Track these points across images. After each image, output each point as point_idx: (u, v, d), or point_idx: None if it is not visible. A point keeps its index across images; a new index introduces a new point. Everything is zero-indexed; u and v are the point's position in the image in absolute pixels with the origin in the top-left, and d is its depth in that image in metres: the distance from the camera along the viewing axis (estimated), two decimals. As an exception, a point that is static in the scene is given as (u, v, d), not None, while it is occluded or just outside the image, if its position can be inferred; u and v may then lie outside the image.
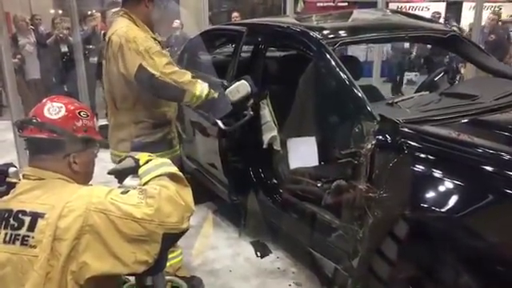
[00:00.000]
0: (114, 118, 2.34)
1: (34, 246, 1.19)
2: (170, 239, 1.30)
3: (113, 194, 1.27)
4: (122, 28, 2.14)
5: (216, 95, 2.24)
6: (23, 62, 6.06)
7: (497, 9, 9.79)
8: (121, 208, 1.22)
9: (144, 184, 1.36)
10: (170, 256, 2.46)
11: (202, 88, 2.17)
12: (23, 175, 1.34)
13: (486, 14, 6.77)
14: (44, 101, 1.37)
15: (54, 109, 1.32)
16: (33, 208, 1.23)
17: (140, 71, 2.07)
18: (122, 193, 1.28)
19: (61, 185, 1.30)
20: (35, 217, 1.21)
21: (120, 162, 1.55)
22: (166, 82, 2.08)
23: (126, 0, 2.24)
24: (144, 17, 2.23)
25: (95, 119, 1.42)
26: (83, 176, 1.39)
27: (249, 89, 2.25)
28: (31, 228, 1.21)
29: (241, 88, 2.25)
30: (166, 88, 2.10)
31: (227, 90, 2.26)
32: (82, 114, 1.37)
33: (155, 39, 2.22)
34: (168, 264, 2.46)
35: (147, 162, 1.44)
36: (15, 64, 5.78)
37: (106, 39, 2.22)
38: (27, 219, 1.22)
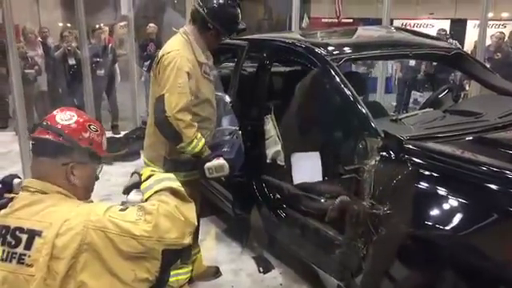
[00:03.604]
0: (151, 133, 2.40)
1: (31, 265, 1.17)
2: (172, 255, 1.28)
3: (111, 211, 1.25)
4: (177, 51, 2.22)
5: (204, 155, 2.28)
6: (39, 73, 6.13)
7: (501, 27, 9.86)
8: (119, 225, 1.20)
9: (146, 200, 1.35)
10: (179, 271, 2.48)
11: (193, 146, 2.23)
12: (22, 187, 1.32)
13: (491, 32, 6.81)
14: (57, 110, 1.38)
15: (65, 116, 1.34)
16: (30, 225, 1.21)
17: (159, 100, 2.20)
18: (121, 210, 1.26)
19: (60, 201, 1.28)
20: (32, 235, 1.19)
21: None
22: (172, 124, 2.17)
23: (195, 21, 2.32)
24: (203, 43, 2.33)
25: (104, 137, 1.40)
26: (82, 190, 1.36)
27: (226, 172, 2.26)
28: (28, 246, 1.19)
29: (219, 168, 2.25)
30: (168, 129, 2.20)
31: (206, 164, 2.26)
32: (91, 127, 1.37)
33: (202, 63, 2.30)
34: (175, 278, 2.48)
35: (149, 177, 1.43)
36: (31, 75, 5.88)
37: (159, 55, 2.30)
38: (24, 237, 1.20)
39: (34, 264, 1.17)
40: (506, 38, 7.05)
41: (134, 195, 1.48)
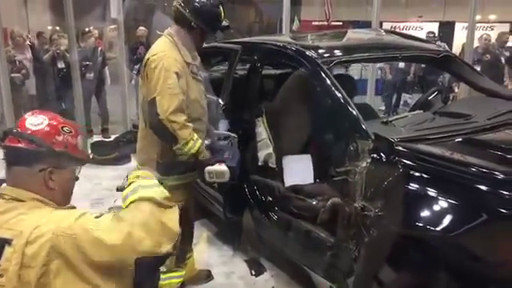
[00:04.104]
0: (142, 136, 2.38)
1: (1, 275, 1.13)
2: (148, 264, 1.23)
3: (84, 218, 1.20)
4: (163, 53, 2.21)
5: (202, 156, 2.26)
6: (26, 77, 6.06)
7: (489, 29, 9.99)
8: (90, 233, 1.15)
9: (126, 207, 1.30)
10: (172, 274, 2.48)
11: (190, 147, 2.21)
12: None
13: (478, 34, 6.90)
14: (29, 113, 1.33)
15: (36, 120, 1.29)
16: (1, 234, 1.17)
17: (151, 103, 2.19)
18: (96, 217, 1.22)
19: (33, 208, 1.23)
20: (2, 243, 1.15)
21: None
22: (165, 127, 2.16)
23: (178, 21, 2.30)
24: (189, 43, 2.32)
25: (80, 137, 1.36)
26: (60, 195, 1.32)
27: (226, 179, 2.26)
28: None
29: (220, 174, 2.25)
30: (163, 131, 2.20)
31: (208, 168, 2.26)
32: (64, 129, 1.31)
33: (189, 63, 2.29)
34: (167, 282, 2.47)
35: (130, 184, 1.37)
36: (17, 79, 5.80)
37: (145, 59, 2.29)
38: None
39: (3, 274, 1.13)
40: (493, 41, 7.14)
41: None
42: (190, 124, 2.21)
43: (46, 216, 1.20)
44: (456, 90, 6.36)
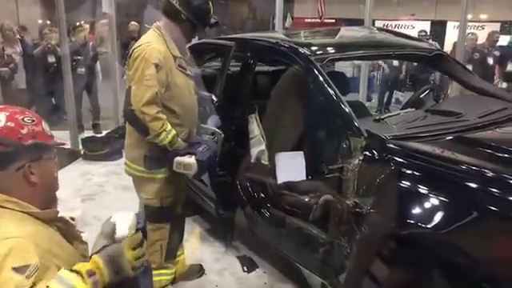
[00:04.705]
0: (130, 132, 2.37)
1: None
2: None
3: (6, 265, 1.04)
4: (147, 44, 2.22)
5: (175, 146, 2.26)
6: (14, 71, 5.98)
7: (480, 29, 10.08)
8: None
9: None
10: (162, 271, 2.47)
11: (161, 139, 2.21)
12: None
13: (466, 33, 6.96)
14: None
15: None
16: None
17: (127, 92, 2.24)
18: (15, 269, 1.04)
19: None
20: None
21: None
22: (138, 118, 2.18)
23: (168, 14, 2.30)
24: (178, 36, 2.32)
25: (44, 123, 1.26)
26: (43, 188, 1.24)
27: (192, 172, 2.26)
28: None
29: (187, 166, 2.25)
30: (135, 121, 2.23)
31: (177, 158, 2.25)
32: (25, 119, 1.21)
33: (176, 57, 2.29)
34: (157, 278, 2.47)
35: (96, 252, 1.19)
36: (5, 73, 5.73)
37: (131, 50, 2.29)
38: None
39: None
40: (484, 40, 7.20)
41: (121, 227, 1.23)
42: (163, 116, 2.20)
43: None
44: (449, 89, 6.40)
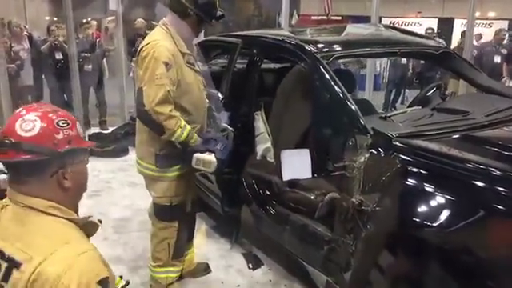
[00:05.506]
0: (141, 129, 2.37)
1: None
2: None
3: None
4: (155, 41, 2.21)
5: (192, 142, 2.26)
6: (20, 68, 6.02)
7: (488, 26, 9.98)
8: None
9: None
10: (170, 268, 2.50)
11: (177, 136, 2.22)
12: (10, 198, 1.15)
13: (477, 31, 6.93)
14: (14, 114, 1.15)
15: (26, 124, 1.10)
16: (11, 252, 1.06)
17: (138, 93, 2.21)
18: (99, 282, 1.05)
19: (46, 226, 1.11)
20: (11, 265, 1.05)
21: None
22: (152, 118, 2.17)
23: (174, 9, 2.29)
24: (186, 32, 2.31)
25: (78, 124, 1.20)
26: (75, 192, 1.21)
27: (211, 170, 2.28)
28: (5, 278, 1.05)
29: (207, 164, 2.26)
30: (150, 121, 2.21)
31: (196, 154, 2.26)
32: (60, 123, 1.14)
33: (185, 54, 2.29)
34: (164, 275, 2.49)
35: None
36: (12, 69, 5.77)
37: (139, 48, 2.29)
38: (4, 265, 1.06)
39: None
40: (491, 38, 7.15)
41: None
42: (177, 113, 2.21)
43: (58, 245, 1.07)
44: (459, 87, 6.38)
